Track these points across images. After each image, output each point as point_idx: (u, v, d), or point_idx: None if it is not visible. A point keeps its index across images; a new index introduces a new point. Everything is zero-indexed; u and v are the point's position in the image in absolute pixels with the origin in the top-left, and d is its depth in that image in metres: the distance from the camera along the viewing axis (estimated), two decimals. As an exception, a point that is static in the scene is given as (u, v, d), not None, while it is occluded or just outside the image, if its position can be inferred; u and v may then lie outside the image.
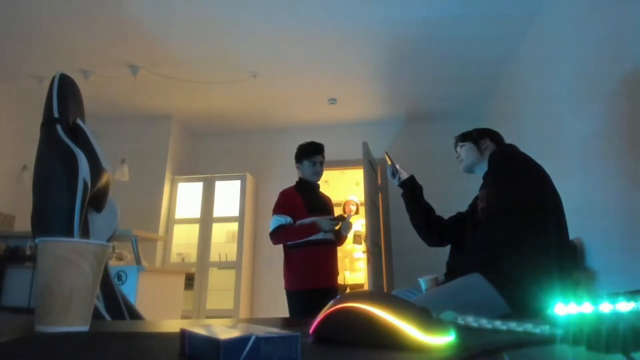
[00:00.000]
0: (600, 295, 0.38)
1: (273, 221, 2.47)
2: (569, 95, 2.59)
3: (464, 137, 1.77)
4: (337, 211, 2.67)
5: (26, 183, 4.02)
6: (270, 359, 0.32)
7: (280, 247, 2.54)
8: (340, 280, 4.63)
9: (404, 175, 1.85)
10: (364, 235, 4.71)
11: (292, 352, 0.33)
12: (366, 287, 4.71)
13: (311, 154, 2.60)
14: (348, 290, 4.39)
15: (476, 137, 1.74)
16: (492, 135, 1.74)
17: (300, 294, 2.42)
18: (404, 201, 1.85)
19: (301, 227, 2.44)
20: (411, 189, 1.83)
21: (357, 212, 4.79)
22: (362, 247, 4.68)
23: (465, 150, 1.74)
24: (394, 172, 1.88)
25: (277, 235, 2.45)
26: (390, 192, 4.79)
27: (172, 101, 4.57)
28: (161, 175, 4.78)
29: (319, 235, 2.44)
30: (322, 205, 2.59)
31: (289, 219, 2.46)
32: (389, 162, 1.90)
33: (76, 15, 3.10)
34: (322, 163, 2.62)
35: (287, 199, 2.54)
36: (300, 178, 2.64)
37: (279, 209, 2.50)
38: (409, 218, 1.83)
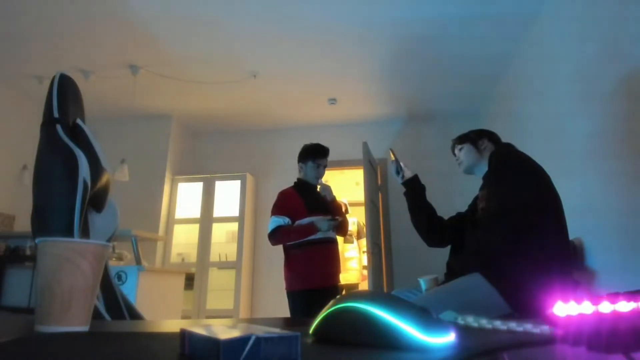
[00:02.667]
0: (600, 295, 0.38)
1: (271, 222, 2.46)
2: (569, 95, 2.59)
3: (462, 140, 1.77)
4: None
5: (26, 183, 4.02)
6: (270, 359, 0.32)
7: (280, 247, 2.53)
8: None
9: (408, 174, 1.85)
10: (354, 234, 4.72)
11: (292, 352, 0.33)
12: (361, 287, 4.71)
13: (317, 157, 2.57)
14: (344, 291, 4.40)
15: (474, 138, 1.74)
16: (490, 136, 1.75)
17: (301, 294, 2.41)
18: (407, 200, 1.84)
19: (299, 227, 2.43)
20: (414, 188, 1.83)
21: (346, 213, 4.80)
22: (354, 245, 4.69)
23: (465, 152, 1.74)
24: (398, 170, 1.87)
25: (276, 236, 2.44)
26: (390, 192, 4.79)
27: (172, 101, 4.57)
28: (161, 175, 4.78)
29: (319, 235, 2.43)
30: (322, 205, 2.57)
31: (287, 220, 2.44)
32: (393, 159, 1.89)
33: (76, 15, 3.10)
34: (325, 166, 2.61)
35: (286, 199, 2.52)
36: (299, 178, 2.62)
37: (277, 210, 2.48)
38: (410, 217, 1.83)
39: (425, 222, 1.78)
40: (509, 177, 1.48)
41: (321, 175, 2.60)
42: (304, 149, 2.62)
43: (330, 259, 2.51)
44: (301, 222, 2.43)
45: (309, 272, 2.42)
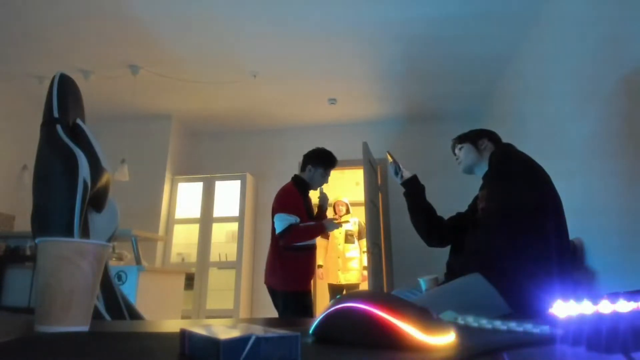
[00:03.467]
0: (600, 295, 0.38)
1: (282, 220, 2.36)
2: (570, 95, 2.59)
3: (462, 139, 1.76)
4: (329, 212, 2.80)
5: (26, 183, 4.02)
6: (270, 359, 0.32)
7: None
8: (334, 280, 4.68)
9: (407, 174, 1.85)
10: (356, 234, 4.71)
11: (292, 352, 0.33)
12: (362, 287, 4.71)
13: (329, 166, 2.57)
14: (344, 291, 4.40)
15: (474, 137, 1.74)
16: (490, 135, 1.74)
17: (294, 294, 2.46)
18: (406, 200, 1.85)
19: (311, 227, 2.43)
20: (413, 189, 1.83)
21: (347, 212, 4.82)
22: (355, 245, 4.69)
23: (465, 152, 1.73)
24: (397, 170, 1.87)
25: (289, 235, 2.36)
26: (390, 192, 4.79)
27: (172, 101, 4.57)
28: (161, 175, 4.78)
29: (312, 240, 2.52)
30: (311, 208, 2.64)
31: (298, 219, 2.38)
32: (391, 160, 1.90)
33: (76, 15, 3.10)
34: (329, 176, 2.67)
35: (292, 197, 2.48)
36: (299, 177, 2.59)
37: (285, 207, 2.41)
38: (410, 217, 1.82)
39: (425, 222, 1.78)
40: (509, 177, 1.48)
41: (324, 183, 2.63)
42: (319, 154, 2.58)
43: (315, 264, 2.63)
44: (308, 224, 2.44)
45: (303, 274, 2.49)
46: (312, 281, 2.57)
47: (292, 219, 2.37)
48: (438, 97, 4.42)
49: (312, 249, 2.55)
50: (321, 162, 2.56)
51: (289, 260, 2.45)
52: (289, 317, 2.37)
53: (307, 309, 2.44)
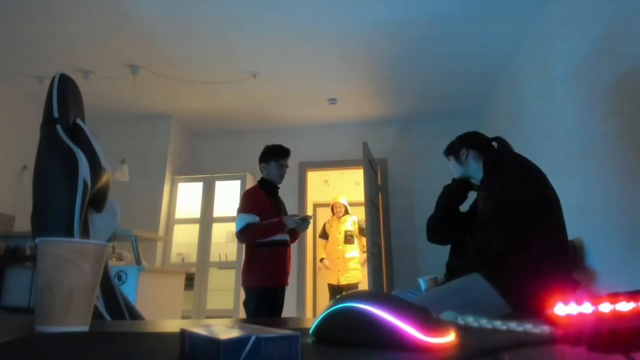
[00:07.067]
0: (600, 295, 0.38)
1: (240, 219, 2.48)
2: (569, 94, 2.59)
3: (447, 152, 1.80)
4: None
5: (26, 183, 4.02)
6: (270, 359, 0.32)
7: None
8: (334, 280, 4.68)
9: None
10: (355, 233, 4.72)
11: (292, 352, 0.33)
12: (361, 287, 4.72)
13: (279, 157, 2.64)
14: (344, 291, 4.41)
15: (456, 149, 1.76)
16: (469, 142, 1.73)
17: (261, 290, 2.50)
18: (446, 191, 1.82)
19: (268, 224, 2.49)
20: (460, 190, 1.82)
21: (346, 213, 4.83)
22: (355, 245, 4.69)
23: (452, 166, 1.79)
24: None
25: (246, 234, 2.47)
26: (390, 192, 4.79)
27: (172, 101, 4.57)
28: (161, 175, 4.77)
29: (278, 236, 2.53)
30: (283, 207, 2.70)
31: (257, 218, 2.48)
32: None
33: (76, 15, 3.10)
34: (287, 167, 2.69)
35: (254, 198, 2.58)
36: (263, 178, 2.67)
37: (246, 207, 2.52)
38: (435, 208, 1.80)
39: (443, 219, 1.78)
40: (503, 179, 1.49)
41: (284, 175, 2.68)
42: (265, 150, 2.69)
43: (287, 260, 2.63)
44: (270, 221, 2.51)
45: (271, 270, 2.52)
46: (283, 278, 2.60)
47: (250, 217, 2.47)
48: (438, 96, 4.42)
49: (284, 244, 2.59)
50: (269, 156, 2.65)
51: (262, 257, 2.52)
52: (261, 314, 2.44)
53: (279, 305, 2.55)
